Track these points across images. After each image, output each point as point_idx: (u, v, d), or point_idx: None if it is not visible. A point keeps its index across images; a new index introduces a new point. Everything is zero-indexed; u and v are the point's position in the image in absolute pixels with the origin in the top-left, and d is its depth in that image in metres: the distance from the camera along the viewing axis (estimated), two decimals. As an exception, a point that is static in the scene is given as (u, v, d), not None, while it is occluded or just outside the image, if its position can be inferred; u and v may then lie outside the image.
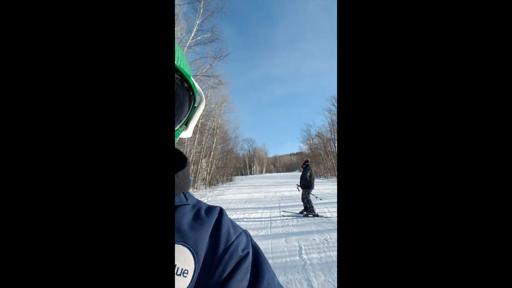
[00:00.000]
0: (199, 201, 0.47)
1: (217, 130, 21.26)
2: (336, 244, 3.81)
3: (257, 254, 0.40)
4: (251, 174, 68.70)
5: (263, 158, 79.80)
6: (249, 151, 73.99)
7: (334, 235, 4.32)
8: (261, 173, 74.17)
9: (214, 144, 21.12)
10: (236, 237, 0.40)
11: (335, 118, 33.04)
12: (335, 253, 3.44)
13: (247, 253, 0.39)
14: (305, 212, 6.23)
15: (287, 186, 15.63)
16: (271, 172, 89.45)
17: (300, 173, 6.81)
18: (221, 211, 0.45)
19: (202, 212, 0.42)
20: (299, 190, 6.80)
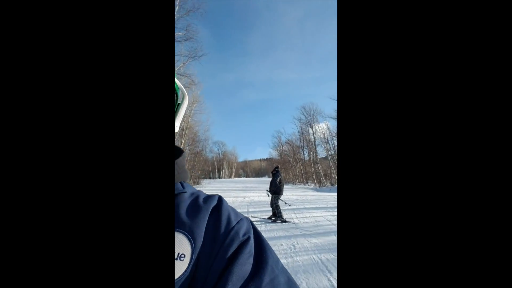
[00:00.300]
0: (198, 191, 0.47)
1: (186, 130, 20.59)
2: (302, 250, 3.87)
3: (260, 240, 0.40)
4: (219, 178, 67.53)
5: (232, 162, 79.21)
6: (219, 154, 72.88)
7: (300, 241, 4.39)
8: (230, 177, 73.46)
9: (182, 145, 20.35)
10: (237, 222, 0.40)
11: (304, 127, 34.37)
12: (301, 258, 3.49)
13: (249, 238, 0.38)
14: (273, 218, 6.27)
15: (256, 191, 15.66)
16: (240, 177, 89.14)
17: (269, 179, 6.86)
18: (220, 199, 0.45)
19: (200, 199, 0.43)
20: (268, 196, 6.83)
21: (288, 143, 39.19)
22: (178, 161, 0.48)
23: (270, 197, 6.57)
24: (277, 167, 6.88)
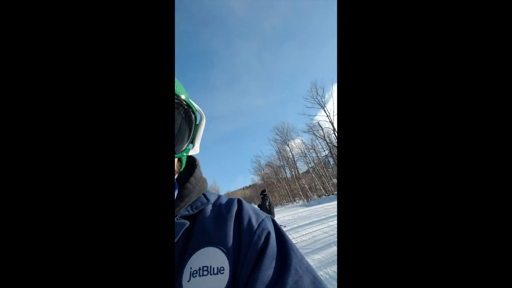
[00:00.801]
0: (219, 197, 0.48)
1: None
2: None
3: (282, 239, 0.39)
4: (206, 216, 64.13)
5: (216, 197, 76.53)
6: (201, 192, 70.21)
7: (304, 260, 4.28)
8: (217, 212, 70.25)
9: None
10: (258, 225, 0.40)
11: (281, 146, 35.18)
12: (309, 278, 3.39)
13: (270, 240, 0.38)
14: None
15: (247, 220, 15.12)
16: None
17: (256, 205, 6.78)
18: (240, 202, 0.46)
19: (222, 208, 0.43)
20: (261, 222, 6.67)
21: (268, 165, 39.45)
22: (195, 174, 0.48)
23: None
24: (264, 191, 6.85)
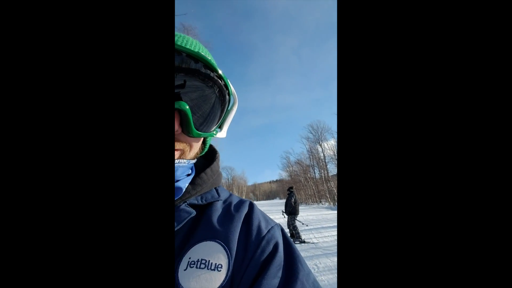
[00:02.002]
0: (231, 195, 0.47)
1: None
2: (325, 269, 3.85)
3: (290, 250, 0.38)
4: (230, 203, 66.29)
5: (242, 186, 78.35)
6: (228, 180, 72.57)
7: (323, 260, 4.35)
8: (241, 201, 71.96)
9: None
10: (268, 231, 0.39)
11: (313, 145, 34.30)
12: (326, 277, 3.48)
13: (278, 249, 0.37)
14: (292, 239, 6.20)
15: (270, 214, 15.41)
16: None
17: (281, 200, 6.89)
18: (251, 205, 0.44)
19: (232, 207, 0.42)
20: (284, 217, 6.82)
21: (297, 162, 38.92)
22: (212, 166, 0.46)
23: (286, 218, 6.56)
24: (291, 187, 6.95)
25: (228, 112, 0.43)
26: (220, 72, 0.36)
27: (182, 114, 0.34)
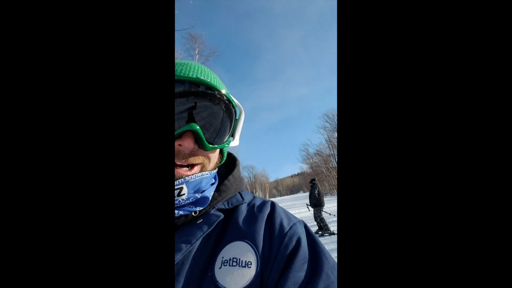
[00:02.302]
0: (254, 197, 0.50)
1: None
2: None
3: (315, 244, 0.40)
4: (255, 201, 66.96)
5: (264, 184, 78.74)
6: (250, 178, 73.22)
7: (355, 251, 4.16)
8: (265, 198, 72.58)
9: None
10: (290, 228, 0.41)
11: (331, 134, 33.55)
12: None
13: (303, 244, 0.39)
14: (320, 232, 6.03)
15: (295, 208, 15.25)
16: (275, 197, 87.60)
17: (305, 193, 6.74)
18: (273, 205, 0.47)
19: (255, 208, 0.46)
20: (309, 210, 6.66)
21: (317, 153, 38.25)
22: (234, 173, 0.51)
23: (312, 211, 6.40)
24: (313, 179, 6.77)
25: (237, 121, 0.47)
26: (222, 91, 0.42)
27: (195, 133, 0.39)
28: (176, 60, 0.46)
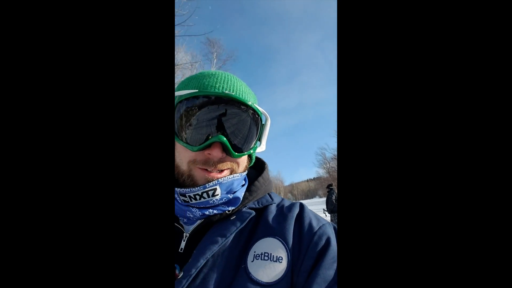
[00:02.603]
0: (282, 199, 0.54)
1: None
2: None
3: None
4: (269, 205, 66.39)
5: (279, 188, 78.00)
6: (265, 181, 72.73)
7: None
8: (280, 202, 71.71)
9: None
10: (319, 228, 0.44)
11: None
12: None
13: (333, 244, 0.41)
14: (337, 238, 5.88)
15: (311, 213, 14.94)
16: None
17: (321, 199, 6.62)
18: (302, 206, 0.50)
19: (285, 208, 0.49)
20: (326, 216, 6.53)
21: (334, 158, 37.31)
22: (263, 175, 0.54)
23: (329, 217, 6.26)
24: (330, 185, 6.67)
25: (263, 127, 0.50)
26: (248, 102, 0.45)
27: (222, 144, 0.42)
28: (204, 71, 0.51)
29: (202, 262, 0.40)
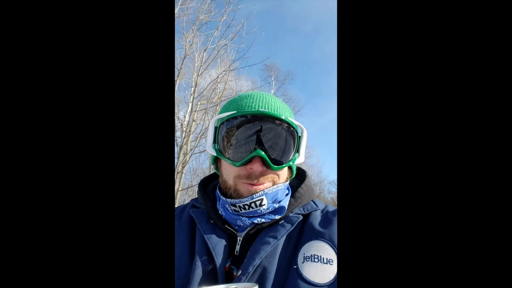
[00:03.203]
0: (326, 206, 0.56)
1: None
2: None
3: None
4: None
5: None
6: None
7: None
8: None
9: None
10: None
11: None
12: None
13: None
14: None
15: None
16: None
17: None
18: None
19: (329, 213, 0.52)
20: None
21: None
22: (305, 182, 0.56)
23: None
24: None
25: (300, 139, 0.52)
26: (282, 116, 0.47)
27: (262, 158, 0.45)
28: (242, 93, 0.56)
29: (258, 261, 0.43)
